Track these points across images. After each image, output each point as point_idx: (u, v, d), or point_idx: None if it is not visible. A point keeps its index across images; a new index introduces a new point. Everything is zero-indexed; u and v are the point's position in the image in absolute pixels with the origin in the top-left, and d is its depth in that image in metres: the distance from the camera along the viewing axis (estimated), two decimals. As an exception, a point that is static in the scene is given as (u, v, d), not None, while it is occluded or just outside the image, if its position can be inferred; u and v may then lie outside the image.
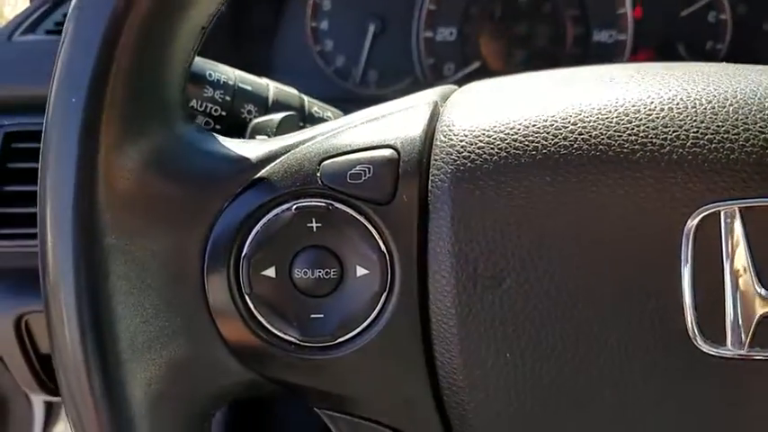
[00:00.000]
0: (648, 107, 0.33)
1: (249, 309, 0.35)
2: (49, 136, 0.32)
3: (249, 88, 0.47)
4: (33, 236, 0.67)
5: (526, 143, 0.33)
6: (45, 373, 0.76)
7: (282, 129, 0.45)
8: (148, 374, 0.34)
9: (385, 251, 0.34)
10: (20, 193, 0.67)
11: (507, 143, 0.33)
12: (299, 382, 0.36)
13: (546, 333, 0.33)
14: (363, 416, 0.37)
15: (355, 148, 0.35)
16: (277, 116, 0.45)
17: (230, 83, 0.46)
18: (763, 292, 0.32)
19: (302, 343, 0.35)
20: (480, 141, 0.33)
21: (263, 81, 0.49)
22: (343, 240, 0.35)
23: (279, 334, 0.35)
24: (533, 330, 0.33)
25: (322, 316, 0.35)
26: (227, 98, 0.46)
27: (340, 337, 0.35)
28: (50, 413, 1.21)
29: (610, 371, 0.33)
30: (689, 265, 0.32)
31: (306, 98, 0.51)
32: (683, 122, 0.32)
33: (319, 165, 0.35)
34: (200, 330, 0.35)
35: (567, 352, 0.33)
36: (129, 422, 0.34)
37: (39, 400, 1.06)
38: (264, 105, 0.48)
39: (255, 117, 0.47)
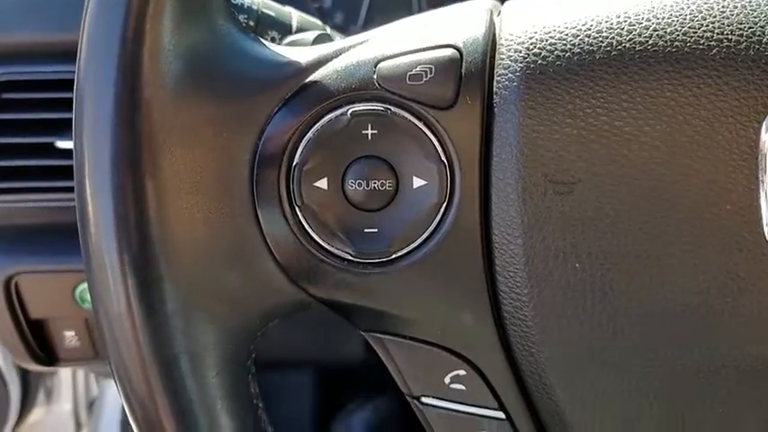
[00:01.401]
0: (722, 4, 0.32)
1: (300, 222, 0.33)
2: (91, 37, 0.30)
3: (273, 14, 0.45)
4: (27, 190, 0.64)
5: (600, 39, 0.31)
6: (36, 340, 0.73)
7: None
8: (192, 287, 0.31)
9: (445, 160, 0.32)
10: (12, 146, 0.63)
11: (580, 39, 0.31)
12: (351, 300, 0.34)
13: (617, 241, 0.31)
14: (415, 337, 0.35)
15: (414, 48, 0.33)
16: (310, 34, 0.42)
17: (254, 7, 0.44)
18: None
19: (355, 259, 0.33)
20: (551, 38, 0.32)
21: (287, 8, 0.47)
22: (400, 149, 0.33)
23: (331, 249, 0.33)
24: (604, 239, 0.31)
25: (376, 230, 0.33)
26: (251, 23, 0.44)
27: (395, 253, 0.33)
28: (27, 395, 1.17)
29: (682, 282, 0.31)
30: (767, 167, 0.30)
31: (328, 28, 0.48)
32: (757, 19, 0.31)
33: (375, 66, 0.33)
34: (248, 242, 0.32)
35: (638, 261, 0.31)
36: (170, 337, 0.31)
37: (15, 382, 1.03)
38: (288, 32, 0.45)
39: (279, 44, 0.44)
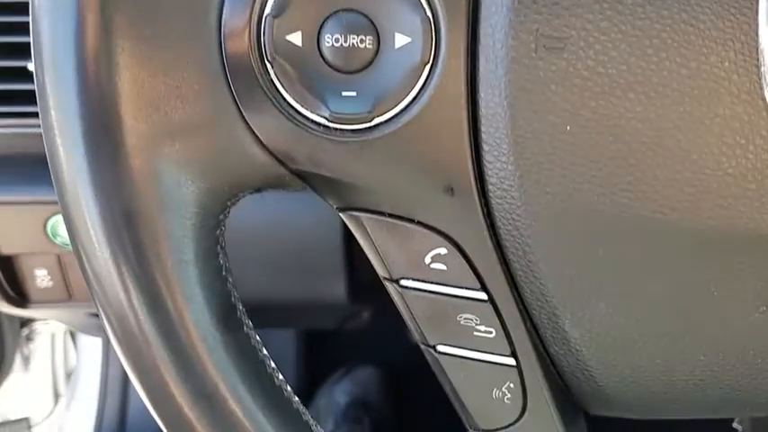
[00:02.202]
0: None
1: (272, 80, 0.31)
2: None
3: None
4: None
5: None
6: (6, 279, 0.71)
7: None
8: (154, 146, 0.30)
9: (430, 15, 0.30)
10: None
11: None
12: (327, 172, 0.32)
13: (612, 103, 0.30)
14: (395, 213, 0.33)
15: None
16: None
17: None
18: None
19: (332, 124, 0.31)
20: None
21: None
22: (381, 2, 0.31)
23: (305, 113, 0.31)
24: (599, 100, 0.30)
25: (355, 94, 0.31)
26: None
27: (376, 117, 0.31)
28: (3, 360, 1.15)
29: (677, 143, 0.30)
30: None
31: None
32: None
33: None
34: (216, 98, 0.30)
35: (633, 123, 0.30)
36: (132, 199, 0.29)
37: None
38: None
39: None
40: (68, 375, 1.29)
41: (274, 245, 0.68)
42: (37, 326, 1.24)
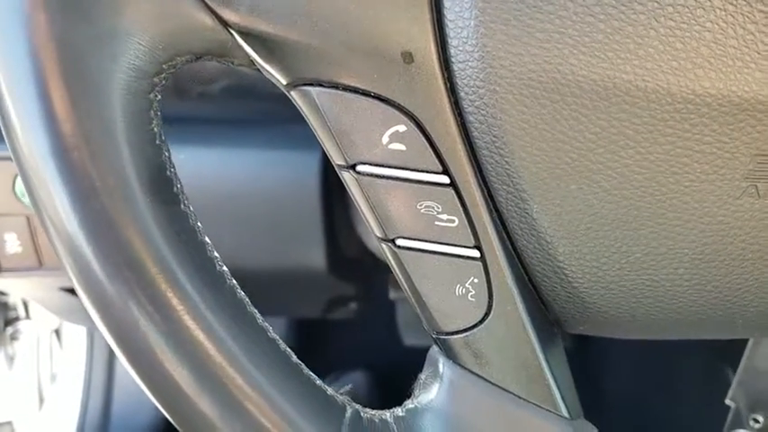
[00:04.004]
0: None
1: None
2: None
3: None
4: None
5: None
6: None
7: None
8: None
9: None
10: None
11: None
12: (272, 29, 0.29)
13: None
14: (349, 85, 0.30)
15: None
16: None
17: None
18: None
19: None
20: None
21: None
22: None
23: None
24: None
25: None
26: None
27: None
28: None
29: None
30: None
31: None
32: None
33: None
34: None
35: None
36: (63, 47, 0.27)
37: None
38: None
39: None
40: (53, 377, 1.26)
41: (248, 208, 0.65)
42: (21, 325, 1.22)
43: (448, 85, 0.30)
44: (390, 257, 0.33)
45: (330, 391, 0.32)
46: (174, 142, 0.65)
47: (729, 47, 0.27)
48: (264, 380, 0.29)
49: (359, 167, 0.31)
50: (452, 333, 0.33)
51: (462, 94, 0.30)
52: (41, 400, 1.26)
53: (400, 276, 0.33)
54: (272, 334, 0.31)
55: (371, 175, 0.31)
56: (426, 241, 0.32)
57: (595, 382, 1.03)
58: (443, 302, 0.32)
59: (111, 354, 1.16)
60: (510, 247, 0.32)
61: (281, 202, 0.66)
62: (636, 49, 0.28)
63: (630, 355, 1.05)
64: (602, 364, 1.04)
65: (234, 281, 0.31)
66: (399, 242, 0.32)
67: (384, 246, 0.33)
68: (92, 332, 1.17)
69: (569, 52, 0.28)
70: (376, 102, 0.30)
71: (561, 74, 0.28)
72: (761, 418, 0.69)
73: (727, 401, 0.70)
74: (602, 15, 0.28)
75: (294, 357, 0.31)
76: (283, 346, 0.31)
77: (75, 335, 1.19)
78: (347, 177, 0.32)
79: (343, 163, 0.32)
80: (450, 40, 0.29)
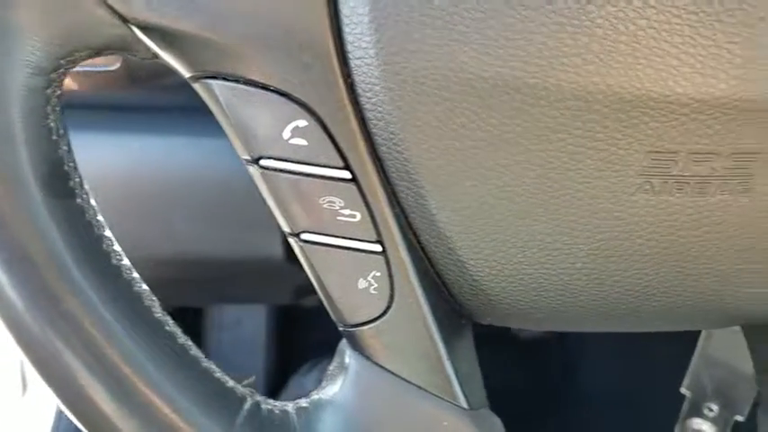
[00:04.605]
0: None
1: None
2: None
3: None
4: None
5: None
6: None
7: None
8: None
9: None
10: None
11: None
12: (167, 22, 0.29)
13: None
14: (248, 78, 0.30)
15: None
16: None
17: None
18: None
19: None
20: None
21: None
22: None
23: None
24: None
25: None
26: None
27: None
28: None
29: None
30: None
31: None
32: None
33: None
34: None
35: None
36: None
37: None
38: None
39: None
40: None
41: (205, 196, 0.65)
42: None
43: (348, 80, 0.30)
44: (297, 251, 0.33)
45: (231, 383, 0.32)
46: (129, 131, 0.65)
47: (620, 43, 0.28)
48: (157, 373, 0.29)
49: (262, 162, 0.32)
50: (356, 325, 0.33)
51: (360, 90, 0.30)
52: (24, 386, 1.27)
53: (307, 269, 0.33)
54: (172, 327, 0.31)
55: (274, 169, 0.32)
56: (329, 235, 0.32)
57: (575, 376, 1.04)
58: (347, 295, 0.33)
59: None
60: (414, 241, 0.33)
61: (238, 190, 0.66)
62: (526, 46, 0.28)
63: (610, 348, 1.05)
64: (582, 358, 1.05)
65: (134, 274, 0.31)
66: (304, 236, 0.32)
67: (291, 240, 0.33)
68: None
69: (460, 50, 0.28)
70: (276, 96, 0.30)
71: (453, 71, 0.28)
72: (715, 407, 0.69)
73: (683, 390, 0.71)
74: (492, 12, 0.28)
75: (193, 350, 0.31)
76: (183, 339, 0.31)
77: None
78: (252, 171, 0.32)
79: (247, 157, 0.32)
80: (346, 36, 0.29)
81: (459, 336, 0.35)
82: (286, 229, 0.33)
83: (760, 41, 0.27)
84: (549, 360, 1.01)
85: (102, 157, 0.64)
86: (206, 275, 0.74)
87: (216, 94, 0.31)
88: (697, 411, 0.71)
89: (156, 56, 0.31)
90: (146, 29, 0.30)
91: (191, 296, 0.87)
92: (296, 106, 0.30)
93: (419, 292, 0.33)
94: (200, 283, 0.78)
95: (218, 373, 0.32)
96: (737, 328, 0.43)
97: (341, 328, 0.34)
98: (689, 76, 0.28)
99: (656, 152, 0.29)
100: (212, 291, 0.81)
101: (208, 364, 0.32)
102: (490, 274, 0.33)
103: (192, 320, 0.99)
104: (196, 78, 0.31)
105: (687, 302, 0.34)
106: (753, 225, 0.31)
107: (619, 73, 0.28)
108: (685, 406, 0.72)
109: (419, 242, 0.33)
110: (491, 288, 0.33)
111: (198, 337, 1.03)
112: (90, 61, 0.31)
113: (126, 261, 0.31)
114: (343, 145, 0.31)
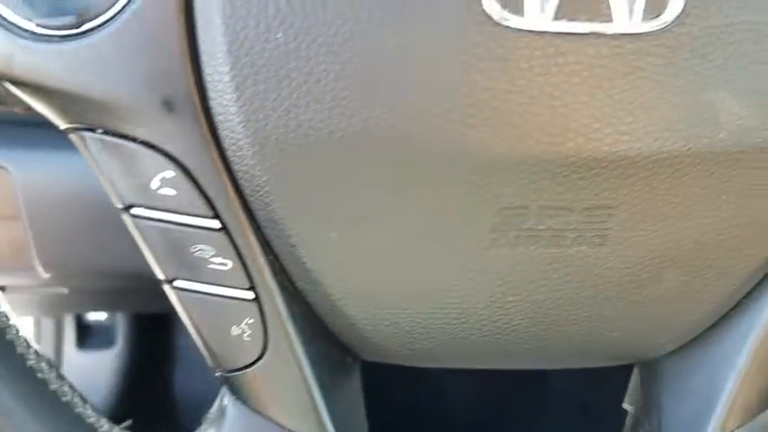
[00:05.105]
0: None
1: None
2: None
3: None
4: None
5: None
6: None
7: None
8: None
9: None
10: None
11: None
12: (39, 79, 0.30)
13: (324, 7, 0.27)
14: (117, 131, 0.31)
15: None
16: None
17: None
18: None
19: (40, 29, 0.29)
20: None
21: None
22: None
23: (8, 16, 0.29)
24: (308, 4, 0.27)
25: None
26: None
27: (85, 23, 0.29)
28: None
29: (394, 48, 0.28)
30: None
31: None
32: None
33: None
34: None
35: (345, 29, 0.27)
36: None
37: None
38: None
39: None
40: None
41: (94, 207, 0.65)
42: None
43: (214, 134, 0.30)
44: (172, 298, 0.33)
45: (106, 427, 0.33)
46: (33, 146, 0.64)
47: (467, 106, 0.28)
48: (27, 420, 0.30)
49: (133, 210, 0.32)
50: (232, 371, 0.34)
51: (225, 144, 0.30)
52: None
53: (181, 316, 0.34)
54: (45, 374, 0.31)
55: (145, 217, 0.32)
56: (201, 282, 0.32)
57: (543, 383, 1.04)
58: (220, 341, 0.33)
59: (59, 340, 1.17)
60: (290, 287, 0.33)
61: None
62: (374, 107, 0.28)
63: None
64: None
65: (11, 322, 0.32)
66: (177, 283, 0.33)
67: (165, 287, 0.33)
68: (38, 320, 1.17)
69: (314, 108, 0.28)
70: (144, 148, 0.31)
71: (309, 128, 0.29)
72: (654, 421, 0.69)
73: (624, 405, 0.71)
74: (332, 75, 0.28)
75: (68, 396, 0.32)
76: (56, 385, 0.32)
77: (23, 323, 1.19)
78: (125, 218, 0.32)
79: (119, 205, 0.32)
80: (209, 93, 0.29)
81: (343, 376, 0.36)
82: (159, 275, 0.33)
83: (603, 101, 0.27)
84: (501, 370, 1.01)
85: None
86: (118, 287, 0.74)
87: (88, 144, 0.31)
88: (639, 426, 0.72)
89: (29, 108, 0.32)
90: (18, 84, 0.30)
91: (161, 302, 0.87)
92: (163, 158, 0.31)
93: (294, 337, 0.33)
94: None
95: (92, 418, 0.32)
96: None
97: (217, 374, 0.35)
98: (536, 137, 0.28)
99: (507, 208, 0.29)
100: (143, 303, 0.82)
101: (82, 409, 0.32)
102: (365, 318, 0.33)
103: (162, 326, 1.00)
104: (69, 130, 0.31)
105: (557, 345, 0.34)
106: (610, 275, 0.31)
107: (465, 134, 0.28)
108: (628, 420, 0.72)
109: (295, 288, 0.33)
110: (368, 331, 0.34)
111: (168, 345, 1.03)
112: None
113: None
114: (211, 195, 0.31)
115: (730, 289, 0.34)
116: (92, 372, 1.01)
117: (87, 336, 1.05)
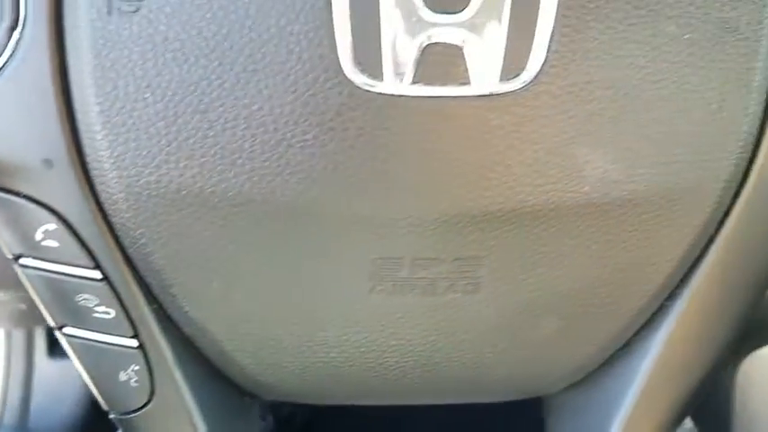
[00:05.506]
0: None
1: None
2: None
3: None
4: None
5: None
6: None
7: None
8: None
9: None
10: None
11: None
12: None
13: (189, 69, 0.28)
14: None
15: None
16: None
17: None
18: (427, 15, 0.27)
19: None
20: None
21: None
22: None
23: None
24: (175, 66, 0.28)
25: None
26: None
27: None
28: None
29: (260, 110, 0.28)
30: None
31: None
32: None
33: None
34: None
35: (211, 90, 0.28)
36: None
37: None
38: None
39: None
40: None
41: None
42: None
43: (92, 189, 0.31)
44: (63, 343, 0.34)
45: None
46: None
47: (330, 168, 0.28)
48: None
49: (21, 260, 0.33)
50: (122, 414, 0.34)
51: (102, 198, 0.31)
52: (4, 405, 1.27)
53: (73, 361, 0.34)
54: None
55: (32, 267, 0.33)
56: (88, 330, 0.33)
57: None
58: (110, 387, 0.34)
59: (30, 347, 1.17)
60: (178, 333, 0.34)
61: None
62: (239, 165, 0.29)
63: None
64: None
65: None
66: (65, 330, 0.34)
67: (56, 333, 0.34)
68: (9, 332, 1.18)
69: (182, 165, 0.29)
70: (26, 201, 0.31)
71: (179, 185, 0.29)
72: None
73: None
74: (200, 134, 0.29)
75: None
76: None
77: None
78: (16, 267, 0.33)
79: (9, 255, 0.33)
80: (85, 149, 0.30)
81: (240, 417, 0.36)
82: (51, 323, 0.34)
83: (464, 160, 0.28)
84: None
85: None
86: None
87: None
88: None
89: None
90: None
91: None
92: (46, 211, 0.31)
93: (182, 383, 0.34)
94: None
95: None
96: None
97: (111, 416, 0.35)
98: (399, 197, 0.29)
99: (380, 258, 0.30)
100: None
101: None
102: (254, 362, 0.34)
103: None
104: None
105: (449, 383, 0.35)
106: (487, 320, 0.32)
107: (329, 194, 0.29)
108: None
109: (183, 334, 0.34)
110: (259, 373, 0.34)
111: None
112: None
113: None
114: (92, 247, 0.32)
115: (612, 332, 0.34)
116: (63, 380, 1.02)
117: (59, 343, 1.05)
